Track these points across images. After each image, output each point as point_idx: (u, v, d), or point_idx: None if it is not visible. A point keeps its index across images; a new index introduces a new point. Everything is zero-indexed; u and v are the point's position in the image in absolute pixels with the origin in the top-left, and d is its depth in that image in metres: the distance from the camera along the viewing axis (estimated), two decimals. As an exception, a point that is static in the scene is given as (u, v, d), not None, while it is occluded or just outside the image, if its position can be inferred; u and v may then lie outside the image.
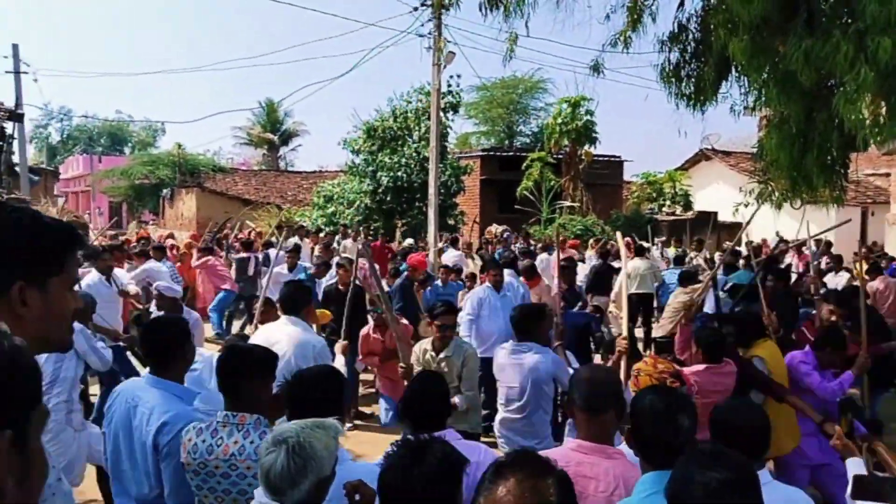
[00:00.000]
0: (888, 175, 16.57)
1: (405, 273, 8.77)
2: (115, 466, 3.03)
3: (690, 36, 8.27)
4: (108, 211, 40.64)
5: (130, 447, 2.93)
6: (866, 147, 7.37)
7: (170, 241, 14.43)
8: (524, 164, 22.20)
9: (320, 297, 7.66)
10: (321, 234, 15.54)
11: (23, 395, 1.02)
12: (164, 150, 37.91)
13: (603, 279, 10.49)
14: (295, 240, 12.96)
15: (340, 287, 7.56)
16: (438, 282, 8.93)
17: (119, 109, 53.09)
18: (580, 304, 8.45)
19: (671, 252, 14.37)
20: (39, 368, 1.08)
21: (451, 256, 11.79)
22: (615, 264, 11.02)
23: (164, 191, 31.68)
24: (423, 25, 13.52)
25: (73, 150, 57.81)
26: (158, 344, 3.04)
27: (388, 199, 19.23)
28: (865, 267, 10.54)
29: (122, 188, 34.73)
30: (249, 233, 17.01)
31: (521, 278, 8.29)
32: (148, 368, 3.10)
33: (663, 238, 15.02)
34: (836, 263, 11.05)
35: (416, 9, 13.44)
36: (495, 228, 18.87)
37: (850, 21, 5.51)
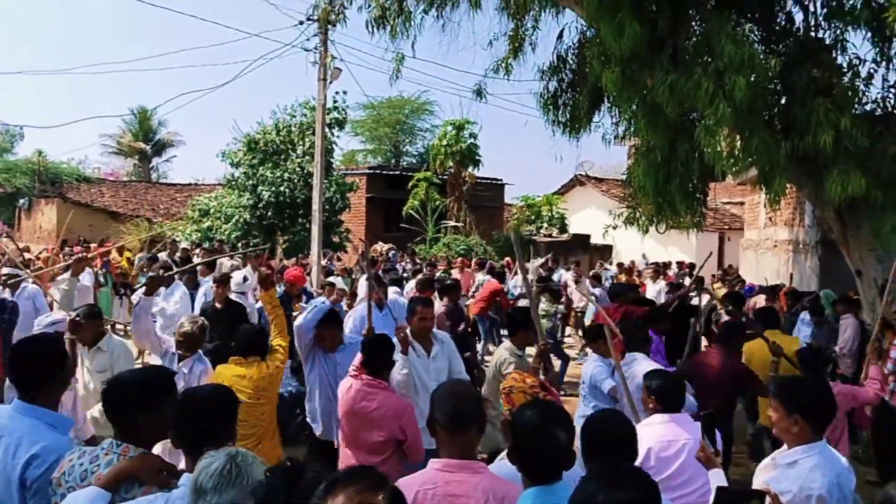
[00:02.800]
0: (742, 203, 18.05)
1: (283, 289, 8.52)
2: None
3: (568, 67, 8.68)
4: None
5: None
6: (724, 177, 7.98)
7: (25, 255, 13.26)
8: (410, 184, 22.35)
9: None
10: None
11: None
12: (22, 157, 34.98)
13: None
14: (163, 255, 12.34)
15: (217, 305, 7.25)
16: (323, 298, 8.75)
17: (-30, 111, 48.39)
18: (463, 322, 8.58)
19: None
20: None
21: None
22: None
23: (21, 201, 29.20)
24: (308, 40, 13.36)
25: (-88, 152, 52.15)
26: (30, 366, 2.69)
27: (270, 214, 18.68)
28: (722, 288, 11.34)
29: (-29, 196, 31.71)
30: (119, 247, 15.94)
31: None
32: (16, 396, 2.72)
33: (541, 260, 15.60)
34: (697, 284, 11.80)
35: (301, 23, 13.25)
36: (381, 247, 18.81)
37: (710, 60, 5.97)
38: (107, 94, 79.02)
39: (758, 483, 2.88)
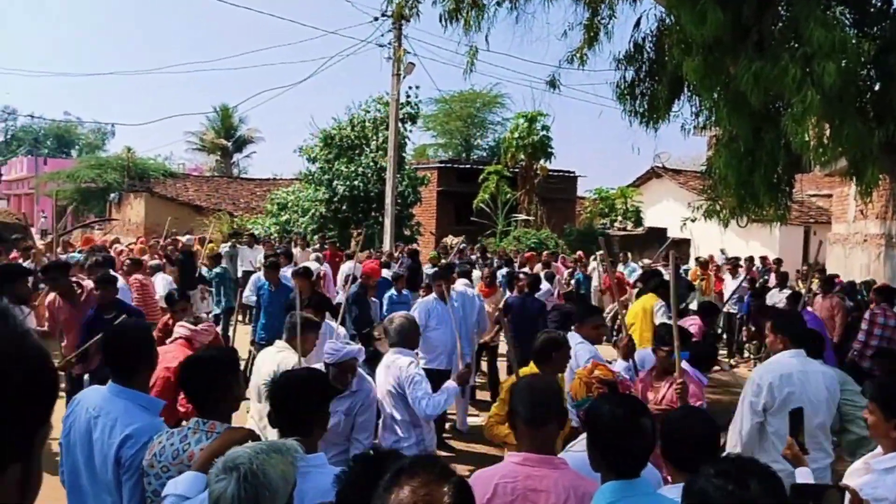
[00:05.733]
0: (830, 196, 17.19)
1: (359, 281, 8.68)
2: (72, 481, 2.83)
3: (646, 55, 8.47)
4: (52, 214, 39.32)
5: (90, 460, 2.74)
6: (812, 168, 7.63)
7: (117, 247, 14.02)
8: (481, 177, 22.32)
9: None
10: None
11: (36, 409, 0.88)
12: (112, 154, 36.99)
13: None
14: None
15: (303, 297, 7.41)
16: (394, 291, 8.88)
17: (67, 111, 51.64)
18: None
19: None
20: (55, 376, 0.93)
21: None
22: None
23: (112, 195, 30.84)
24: (383, 35, 13.60)
25: (17, 151, 55.94)
26: (124, 350, 2.85)
27: (344, 208, 19.09)
28: (814, 283, 10.85)
29: (67, 191, 33.68)
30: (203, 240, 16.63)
31: (477, 288, 8.31)
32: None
33: (601, 252, 15.36)
34: (780, 281, 11.33)
35: (376, 18, 13.48)
36: (451, 240, 18.90)
37: (797, 45, 5.71)
38: (191, 93, 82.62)
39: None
